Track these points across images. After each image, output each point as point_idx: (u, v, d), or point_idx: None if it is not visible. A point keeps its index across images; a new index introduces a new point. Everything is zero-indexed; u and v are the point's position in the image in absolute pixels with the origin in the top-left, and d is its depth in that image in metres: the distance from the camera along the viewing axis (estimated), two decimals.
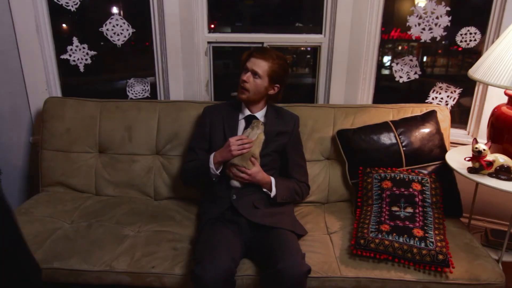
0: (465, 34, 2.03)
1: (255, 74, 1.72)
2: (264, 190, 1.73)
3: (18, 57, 2.13)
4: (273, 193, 1.72)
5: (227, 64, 2.48)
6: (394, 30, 2.23)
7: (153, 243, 1.66)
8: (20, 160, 2.30)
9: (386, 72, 2.34)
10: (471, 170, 1.66)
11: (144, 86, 2.31)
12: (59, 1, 2.10)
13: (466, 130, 2.20)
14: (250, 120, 1.78)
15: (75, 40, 2.20)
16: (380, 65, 2.26)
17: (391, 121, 1.95)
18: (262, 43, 2.19)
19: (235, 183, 1.71)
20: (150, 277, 1.53)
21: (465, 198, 1.86)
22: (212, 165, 1.69)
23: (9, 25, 2.08)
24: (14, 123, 2.24)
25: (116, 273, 1.53)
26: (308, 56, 2.48)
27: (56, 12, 2.16)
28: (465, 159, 1.70)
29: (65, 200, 1.96)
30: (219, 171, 1.70)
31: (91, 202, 1.96)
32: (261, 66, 1.71)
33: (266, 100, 1.83)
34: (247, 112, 1.80)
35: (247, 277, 1.50)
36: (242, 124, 1.81)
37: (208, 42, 2.21)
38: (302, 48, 2.44)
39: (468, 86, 2.15)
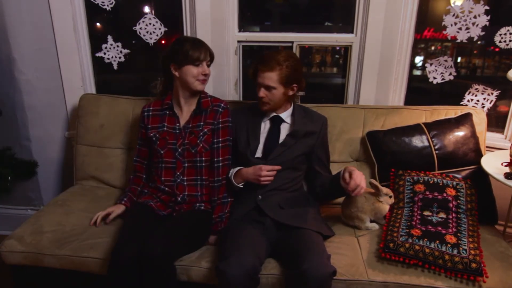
0: (505, 34, 1.96)
1: (268, 87, 1.67)
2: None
3: (56, 55, 2.22)
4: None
5: None
6: (427, 30, 2.17)
7: None
8: (56, 153, 2.39)
9: (417, 72, 2.28)
10: (508, 175, 1.60)
11: None
12: (95, 1, 2.17)
13: (503, 134, 2.12)
14: (275, 121, 1.77)
15: (109, 38, 2.26)
16: (412, 65, 2.20)
17: (424, 123, 1.90)
18: (292, 42, 2.18)
19: None
20: (177, 269, 1.55)
21: (501, 205, 1.80)
22: (233, 181, 1.71)
23: (48, 24, 2.16)
24: (51, 118, 2.33)
25: None
26: (337, 56, 2.45)
27: (92, 11, 2.23)
28: (502, 164, 1.65)
29: (99, 196, 2.01)
30: (241, 184, 1.72)
31: None
32: (270, 78, 1.65)
33: (291, 99, 1.80)
34: (272, 114, 1.79)
35: (272, 276, 1.50)
36: (267, 125, 1.79)
37: (238, 41, 2.22)
38: (330, 48, 2.41)
39: (506, 88, 2.07)
